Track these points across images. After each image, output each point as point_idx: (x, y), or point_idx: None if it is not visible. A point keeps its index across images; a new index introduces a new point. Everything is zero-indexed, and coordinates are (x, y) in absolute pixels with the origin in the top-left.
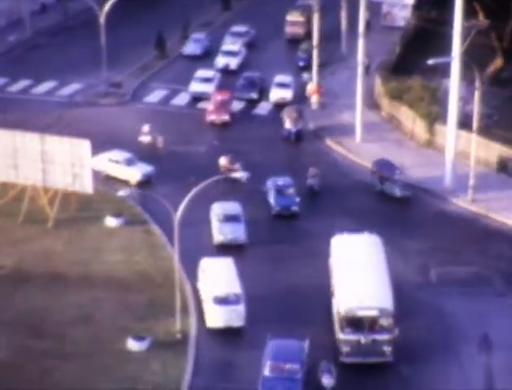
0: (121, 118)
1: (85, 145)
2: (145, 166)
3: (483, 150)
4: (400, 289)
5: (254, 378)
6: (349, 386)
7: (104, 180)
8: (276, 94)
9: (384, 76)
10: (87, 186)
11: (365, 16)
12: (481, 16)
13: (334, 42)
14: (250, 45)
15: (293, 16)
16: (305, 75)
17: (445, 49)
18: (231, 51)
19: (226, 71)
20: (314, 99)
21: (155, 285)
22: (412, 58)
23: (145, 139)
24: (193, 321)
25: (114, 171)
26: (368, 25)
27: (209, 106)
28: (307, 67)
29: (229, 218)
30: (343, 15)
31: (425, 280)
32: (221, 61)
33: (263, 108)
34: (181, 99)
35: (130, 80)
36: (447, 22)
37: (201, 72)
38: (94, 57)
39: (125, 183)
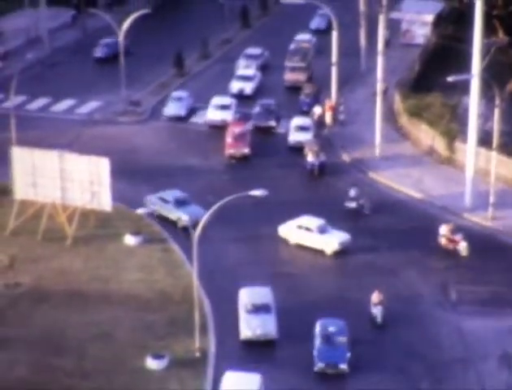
0: (140, 135)
1: (104, 162)
2: (342, 234)
3: (503, 167)
4: (419, 306)
5: None
6: None
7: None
8: (295, 138)
9: (404, 93)
10: (105, 204)
11: (384, 33)
12: (501, 33)
13: (353, 60)
14: (264, 68)
15: (293, 61)
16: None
17: (465, 66)
18: (246, 76)
19: (240, 97)
20: (328, 116)
21: (174, 303)
22: (431, 75)
23: (351, 204)
24: (212, 339)
25: (305, 240)
26: (387, 43)
27: (227, 138)
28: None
29: (259, 309)
30: (362, 32)
31: (445, 299)
32: (236, 86)
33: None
34: (200, 116)
35: (149, 98)
36: (466, 39)
37: (217, 99)
38: (113, 75)
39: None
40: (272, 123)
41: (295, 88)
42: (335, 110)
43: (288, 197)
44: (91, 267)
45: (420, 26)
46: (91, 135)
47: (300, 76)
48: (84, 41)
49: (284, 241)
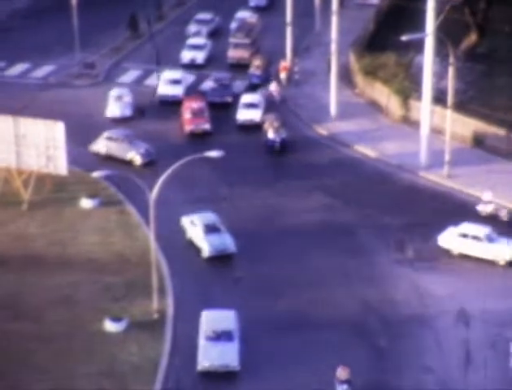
0: (95, 99)
1: (59, 126)
2: None
3: (459, 126)
4: (378, 264)
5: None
6: None
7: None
8: (244, 116)
9: (358, 53)
10: (61, 168)
11: None
12: None
13: (308, 20)
14: (215, 33)
15: (237, 38)
16: (267, 89)
17: (419, 25)
18: (196, 45)
19: (192, 66)
20: (283, 76)
21: (132, 265)
22: (386, 34)
23: (486, 209)
24: (169, 301)
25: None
26: (342, 3)
27: (185, 115)
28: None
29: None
30: None
31: (402, 256)
32: (187, 56)
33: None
34: (155, 79)
35: (103, 61)
36: None
37: (169, 74)
38: (67, 38)
39: None
40: (229, 98)
41: (239, 66)
42: (289, 70)
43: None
44: (48, 231)
45: None
46: (46, 99)
47: (244, 53)
48: (37, 5)
49: None
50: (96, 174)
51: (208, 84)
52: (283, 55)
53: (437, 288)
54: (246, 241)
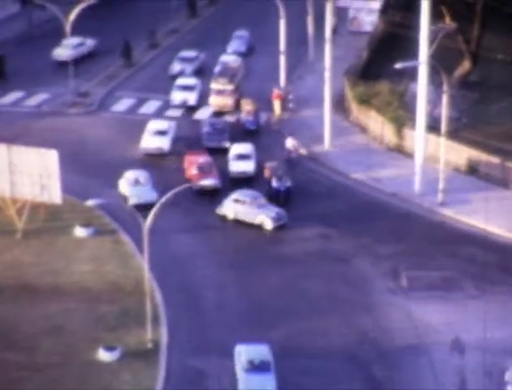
0: (89, 127)
1: (53, 154)
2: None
3: (452, 154)
4: (371, 294)
5: (226, 386)
6: None
7: None
8: (236, 168)
9: (352, 81)
10: (55, 196)
11: (331, 21)
12: (448, 19)
13: (302, 48)
14: (199, 72)
15: (219, 84)
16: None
17: (413, 53)
18: (187, 86)
19: (183, 108)
20: (277, 105)
21: (125, 294)
22: (380, 62)
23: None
24: (164, 330)
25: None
26: (335, 30)
27: (190, 170)
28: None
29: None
30: (309, 20)
31: (396, 285)
32: (178, 97)
33: None
34: (149, 107)
35: (97, 89)
36: (414, 26)
37: (153, 124)
38: (61, 67)
39: None
40: (226, 143)
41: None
42: (283, 99)
43: None
44: (42, 260)
45: (367, 13)
46: (39, 127)
47: (228, 101)
48: (30, 32)
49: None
50: (89, 202)
51: (204, 129)
52: (267, 101)
53: (432, 317)
54: (241, 269)
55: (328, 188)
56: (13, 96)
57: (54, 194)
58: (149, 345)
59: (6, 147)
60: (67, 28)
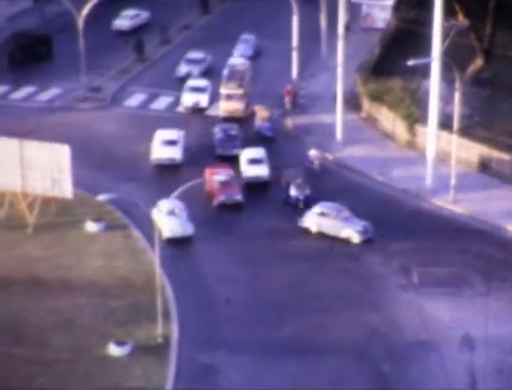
0: (101, 122)
1: (64, 149)
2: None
3: (464, 151)
4: (382, 290)
5: (236, 380)
6: None
7: None
8: (249, 173)
9: (364, 78)
10: (66, 191)
11: (344, 17)
12: (461, 16)
13: (314, 44)
14: (206, 73)
15: (229, 88)
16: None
17: (425, 49)
18: (199, 87)
19: (194, 110)
20: (287, 101)
21: (136, 289)
22: (392, 59)
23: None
24: (174, 325)
25: None
26: (348, 27)
27: (211, 186)
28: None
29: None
30: (322, 16)
31: (407, 281)
32: (189, 99)
33: None
34: (160, 103)
35: (109, 84)
36: (427, 23)
37: (163, 133)
38: (73, 61)
39: None
40: (238, 151)
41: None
42: (294, 94)
43: None
44: (52, 255)
45: (380, 10)
46: (51, 122)
47: (239, 105)
48: (43, 27)
49: None
50: (101, 197)
51: (217, 136)
52: (274, 104)
53: (442, 314)
54: (251, 265)
55: (340, 185)
56: (25, 91)
57: (66, 189)
58: (160, 340)
59: (17, 142)
60: (80, 22)
